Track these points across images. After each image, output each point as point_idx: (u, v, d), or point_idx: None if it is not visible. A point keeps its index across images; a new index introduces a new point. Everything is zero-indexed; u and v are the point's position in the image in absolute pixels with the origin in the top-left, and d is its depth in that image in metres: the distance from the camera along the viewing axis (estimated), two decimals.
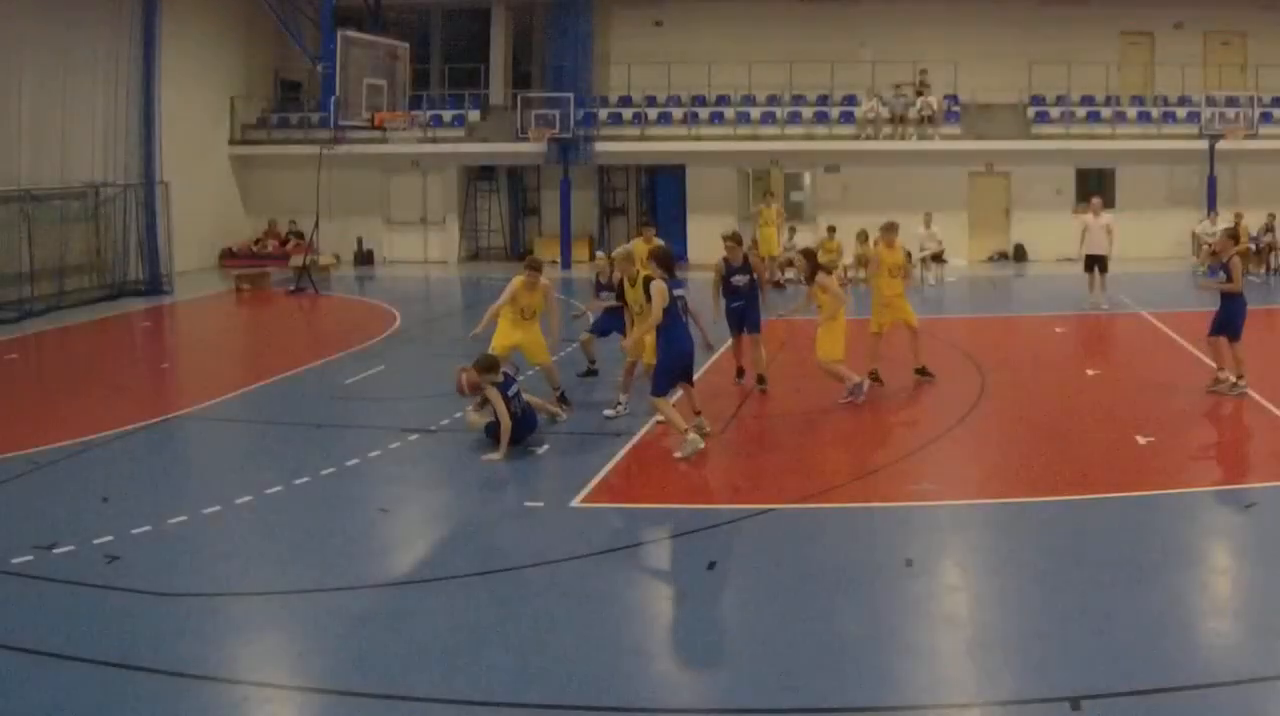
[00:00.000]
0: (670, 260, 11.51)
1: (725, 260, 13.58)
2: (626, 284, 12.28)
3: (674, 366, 11.01)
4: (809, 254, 13.36)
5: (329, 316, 22.39)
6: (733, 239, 13.67)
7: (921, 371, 13.98)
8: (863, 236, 24.89)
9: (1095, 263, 20.62)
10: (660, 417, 11.28)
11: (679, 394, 11.69)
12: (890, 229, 14.21)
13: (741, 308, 13.56)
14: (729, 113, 29.81)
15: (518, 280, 12.35)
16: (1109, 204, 28.35)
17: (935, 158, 28.65)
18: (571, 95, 28.94)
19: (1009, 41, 29.14)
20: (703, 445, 10.78)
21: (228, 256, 29.46)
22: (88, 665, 6.56)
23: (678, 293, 11.21)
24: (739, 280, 13.46)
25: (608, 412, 12.35)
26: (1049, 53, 28.84)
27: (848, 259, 25.11)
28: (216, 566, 8.24)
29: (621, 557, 8.42)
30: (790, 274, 25.49)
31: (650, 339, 11.60)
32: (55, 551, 8.33)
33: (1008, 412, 12.59)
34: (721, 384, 13.77)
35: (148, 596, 7.59)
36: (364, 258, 30.69)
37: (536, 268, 12.58)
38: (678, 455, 10.68)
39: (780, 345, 16.10)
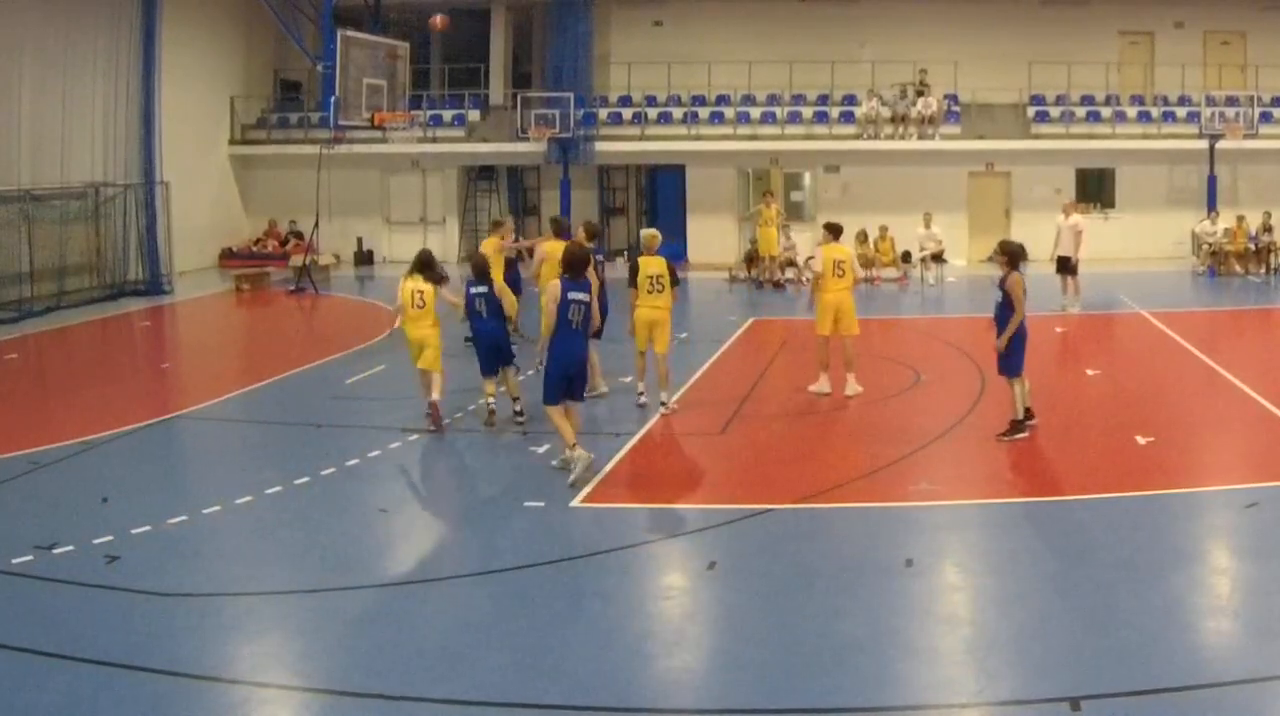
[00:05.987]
0: (574, 261, 10.29)
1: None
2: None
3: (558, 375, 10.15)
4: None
5: (329, 316, 22.36)
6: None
7: None
8: (861, 237, 24.93)
9: (1063, 265, 20.40)
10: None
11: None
12: None
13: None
14: (729, 113, 29.77)
15: None
16: (1109, 204, 28.44)
17: (935, 158, 28.61)
18: (571, 95, 28.90)
19: (1009, 41, 29.08)
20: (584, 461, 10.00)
21: (228, 256, 29.42)
22: (88, 665, 6.56)
23: (576, 296, 10.14)
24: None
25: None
26: (1049, 53, 28.80)
27: None
28: (216, 566, 8.24)
29: (621, 557, 8.42)
30: (790, 274, 25.51)
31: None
32: (55, 551, 8.34)
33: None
34: (724, 384, 13.73)
35: (148, 596, 7.60)
36: (364, 257, 30.67)
37: None
38: (554, 464, 10.34)
39: (781, 344, 16.09)
